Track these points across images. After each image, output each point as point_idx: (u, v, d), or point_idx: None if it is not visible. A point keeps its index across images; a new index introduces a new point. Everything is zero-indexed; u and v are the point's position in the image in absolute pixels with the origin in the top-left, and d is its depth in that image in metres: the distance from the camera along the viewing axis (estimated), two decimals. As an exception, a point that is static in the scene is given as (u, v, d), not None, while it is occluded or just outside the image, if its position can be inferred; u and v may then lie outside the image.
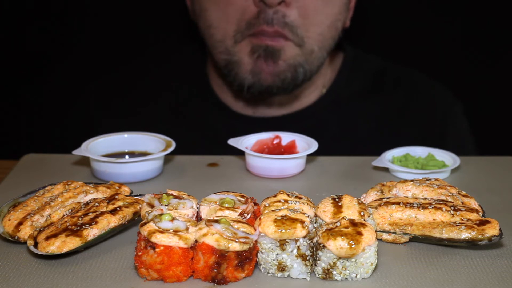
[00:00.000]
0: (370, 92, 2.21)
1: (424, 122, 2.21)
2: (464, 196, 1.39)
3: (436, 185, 1.42)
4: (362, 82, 2.22)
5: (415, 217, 1.32)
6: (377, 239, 1.20)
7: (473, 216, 1.30)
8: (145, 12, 2.62)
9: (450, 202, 1.35)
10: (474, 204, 1.38)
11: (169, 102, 2.23)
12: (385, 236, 1.33)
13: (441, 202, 1.34)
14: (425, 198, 1.38)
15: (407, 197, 1.40)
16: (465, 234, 1.26)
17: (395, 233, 1.32)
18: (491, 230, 1.26)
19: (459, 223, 1.28)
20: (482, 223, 1.28)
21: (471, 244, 1.26)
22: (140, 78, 2.33)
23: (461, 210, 1.31)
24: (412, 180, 1.45)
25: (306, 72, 2.00)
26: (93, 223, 1.27)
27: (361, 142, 2.15)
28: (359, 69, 2.23)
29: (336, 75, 2.21)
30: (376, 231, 1.22)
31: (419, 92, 2.25)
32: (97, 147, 1.69)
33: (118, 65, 2.44)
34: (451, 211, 1.31)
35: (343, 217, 1.21)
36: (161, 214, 1.21)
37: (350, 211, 1.24)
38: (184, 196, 1.32)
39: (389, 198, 1.39)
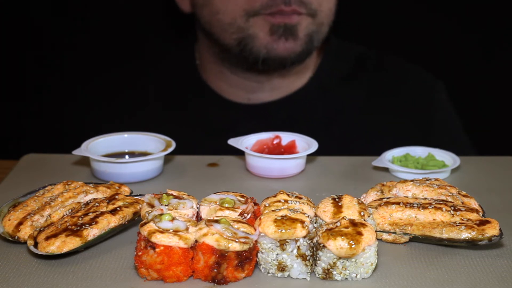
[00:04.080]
0: (353, 76, 2.27)
1: (409, 103, 2.24)
2: (464, 196, 1.39)
3: (436, 185, 1.42)
4: (346, 66, 2.28)
5: (415, 217, 1.32)
6: (377, 239, 1.20)
7: (473, 216, 1.30)
8: (126, 12, 2.65)
9: (450, 202, 1.35)
10: (474, 204, 1.38)
11: (162, 98, 2.28)
12: (385, 236, 1.33)
13: (441, 202, 1.34)
14: (425, 198, 1.38)
15: (407, 197, 1.40)
16: (465, 234, 1.26)
17: (395, 233, 1.32)
18: (491, 230, 1.26)
19: (459, 223, 1.28)
20: (482, 223, 1.27)
21: (471, 244, 1.26)
22: (130, 78, 2.37)
23: (461, 210, 1.31)
24: (412, 180, 1.45)
25: (318, 42, 2.09)
26: (93, 223, 1.27)
27: (349, 125, 2.19)
28: (342, 54, 2.29)
29: (322, 60, 2.26)
30: (376, 231, 1.22)
31: (400, 75, 2.30)
32: (97, 147, 1.69)
33: (109, 66, 2.46)
34: (451, 211, 1.31)
35: (343, 217, 1.21)
36: (161, 214, 1.21)
37: (350, 211, 1.24)
38: (184, 196, 1.32)
39: (389, 198, 1.39)
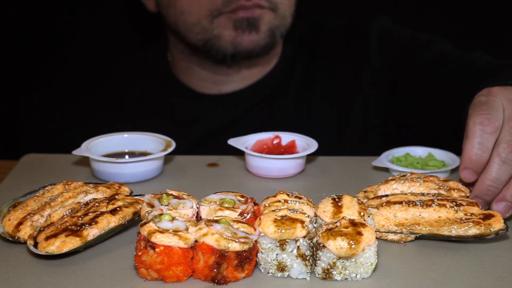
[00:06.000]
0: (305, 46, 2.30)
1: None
2: (444, 181, 1.42)
3: (419, 178, 1.43)
4: (297, 42, 2.31)
5: (420, 215, 1.32)
6: (383, 239, 1.20)
7: (475, 210, 1.32)
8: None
9: (450, 196, 1.37)
10: (459, 185, 1.41)
11: (136, 97, 2.31)
12: (390, 236, 1.33)
13: (443, 199, 1.34)
14: (423, 194, 1.38)
15: (406, 194, 1.40)
16: (473, 230, 1.27)
17: (401, 233, 1.32)
18: (497, 224, 1.27)
19: (465, 219, 1.29)
20: (486, 217, 1.29)
21: (478, 239, 1.28)
22: (103, 80, 2.41)
23: (462, 205, 1.32)
24: (393, 179, 1.45)
25: (281, 35, 2.14)
26: (93, 223, 1.27)
27: (320, 100, 2.23)
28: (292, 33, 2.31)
29: (285, 45, 2.29)
30: (382, 232, 1.22)
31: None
32: (97, 147, 1.69)
33: (107, 64, 2.48)
34: (454, 206, 1.31)
35: (343, 217, 1.21)
36: (161, 214, 1.21)
37: (350, 211, 1.24)
38: (184, 196, 1.32)
39: (389, 197, 1.39)
